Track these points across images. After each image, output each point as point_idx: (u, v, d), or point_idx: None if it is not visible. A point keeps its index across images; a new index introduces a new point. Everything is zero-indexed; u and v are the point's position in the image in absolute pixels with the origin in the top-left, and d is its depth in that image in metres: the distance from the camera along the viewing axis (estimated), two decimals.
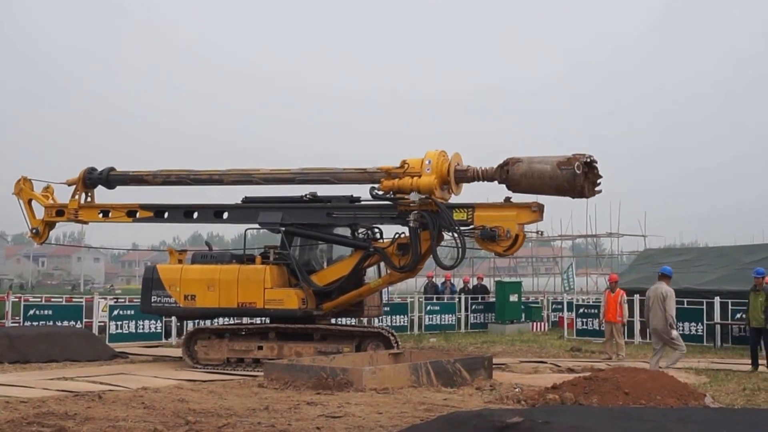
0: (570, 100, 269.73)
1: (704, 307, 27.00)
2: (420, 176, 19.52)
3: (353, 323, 25.01)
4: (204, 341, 20.74)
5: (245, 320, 22.33)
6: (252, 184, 22.10)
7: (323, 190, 21.69)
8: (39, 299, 28.83)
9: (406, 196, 19.71)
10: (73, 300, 28.96)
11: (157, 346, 25.41)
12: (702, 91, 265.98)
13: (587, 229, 53.07)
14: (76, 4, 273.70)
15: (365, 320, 24.68)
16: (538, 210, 19.34)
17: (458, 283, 38.42)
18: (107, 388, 15.91)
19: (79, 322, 25.47)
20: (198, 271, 21.08)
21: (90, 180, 22.85)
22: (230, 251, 23.27)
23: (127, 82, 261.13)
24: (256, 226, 22.03)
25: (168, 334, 26.73)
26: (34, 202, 23.19)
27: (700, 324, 27.08)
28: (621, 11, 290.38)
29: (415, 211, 19.54)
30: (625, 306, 23.80)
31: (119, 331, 25.50)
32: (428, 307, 33.00)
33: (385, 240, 21.12)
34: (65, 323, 25.01)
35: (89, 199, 23.11)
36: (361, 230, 21.41)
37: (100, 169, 23.04)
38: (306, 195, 21.39)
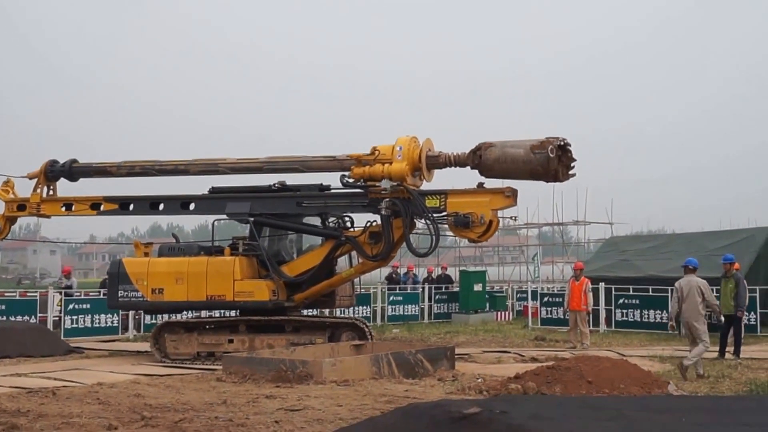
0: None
1: (669, 294, 27.16)
2: (391, 163, 19.47)
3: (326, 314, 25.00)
4: (173, 335, 20.58)
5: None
6: (219, 174, 21.99)
7: (292, 179, 21.67)
8: None
9: (377, 184, 19.64)
10: (27, 294, 28.68)
11: (114, 341, 25.21)
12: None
13: (553, 218, 53.48)
14: None
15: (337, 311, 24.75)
16: (512, 195, 19.38)
17: (422, 273, 38.44)
18: (61, 384, 15.80)
19: (33, 317, 25.18)
20: (165, 264, 20.90)
21: (52, 173, 22.55)
22: (198, 243, 23.08)
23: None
24: (224, 216, 21.83)
25: (125, 328, 26.52)
26: None
27: (665, 311, 27.24)
28: None
29: (387, 199, 19.50)
30: (590, 294, 23.94)
31: (74, 325, 25.25)
32: (391, 298, 33.04)
33: (356, 229, 21.03)
34: (19, 318, 24.75)
35: (51, 192, 22.83)
36: (331, 219, 21.29)
37: (62, 161, 22.76)
38: (275, 184, 21.30)
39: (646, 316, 27.76)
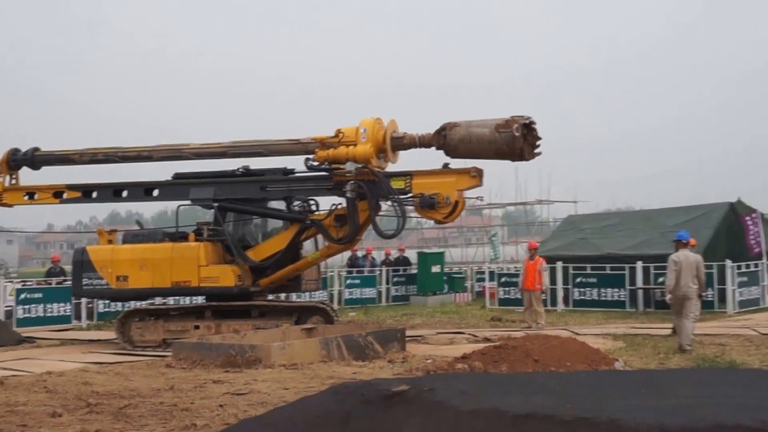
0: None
1: (627, 272, 27.66)
2: (356, 145, 19.54)
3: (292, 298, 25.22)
4: (138, 323, 20.68)
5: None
6: (182, 160, 21.94)
7: (257, 164, 21.72)
8: None
9: (341, 167, 19.68)
10: None
11: (67, 330, 25.30)
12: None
13: (517, 197, 53.99)
14: None
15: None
16: (478, 175, 19.46)
17: (379, 256, 38.65)
18: (10, 373, 15.87)
19: None
20: (130, 252, 20.93)
21: (14, 161, 22.47)
22: (162, 229, 23.14)
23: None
24: (188, 202, 21.83)
25: (78, 317, 26.62)
26: None
27: (622, 289, 27.77)
28: None
29: (352, 182, 19.54)
30: (545, 273, 24.29)
31: (27, 315, 25.23)
32: (348, 281, 33.26)
33: (321, 212, 21.08)
34: None
35: (14, 181, 22.75)
36: (296, 203, 21.32)
37: (24, 149, 22.70)
38: (238, 169, 21.36)
39: (603, 294, 28.21)
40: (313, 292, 25.73)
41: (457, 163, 19.86)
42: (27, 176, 23.13)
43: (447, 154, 19.32)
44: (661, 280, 25.95)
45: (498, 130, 18.46)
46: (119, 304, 26.51)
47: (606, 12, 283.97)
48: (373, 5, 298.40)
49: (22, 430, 10.28)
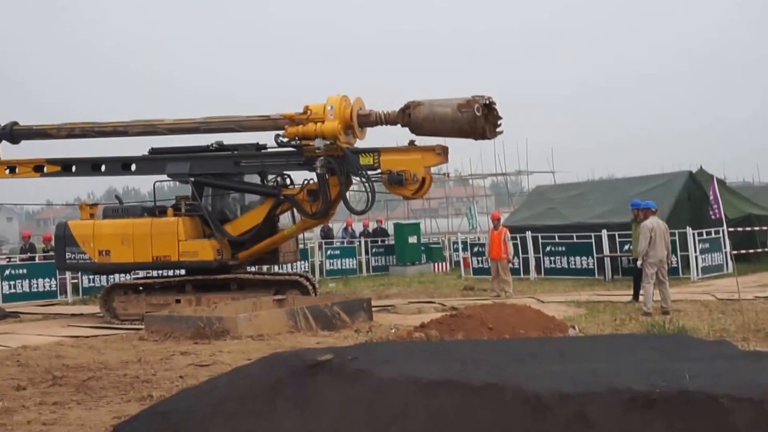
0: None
1: (593, 240, 27.87)
2: (323, 122, 19.68)
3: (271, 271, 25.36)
4: (121, 296, 20.89)
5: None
6: (157, 135, 22.03)
7: (230, 139, 21.84)
8: None
9: (311, 143, 19.84)
10: None
11: (53, 305, 25.49)
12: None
13: (496, 168, 54.12)
14: None
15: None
16: (443, 153, 19.70)
17: (358, 228, 38.84)
18: None
19: None
20: (110, 226, 21.08)
21: None
22: (141, 204, 23.25)
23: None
24: (165, 177, 21.96)
25: (64, 292, 26.79)
26: None
27: (590, 257, 27.98)
28: None
29: (322, 158, 19.73)
30: (510, 243, 24.45)
31: (12, 291, 25.42)
32: (328, 252, 33.45)
33: (295, 186, 21.27)
34: None
35: None
36: (270, 177, 21.51)
37: (2, 124, 22.75)
38: (212, 144, 21.46)
39: (572, 262, 28.44)
40: (294, 264, 25.89)
41: (423, 141, 20.08)
42: (7, 151, 23.24)
43: (412, 131, 19.54)
44: (627, 247, 26.19)
45: (460, 110, 18.63)
46: (103, 278, 26.72)
47: None
48: None
49: None
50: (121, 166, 22.37)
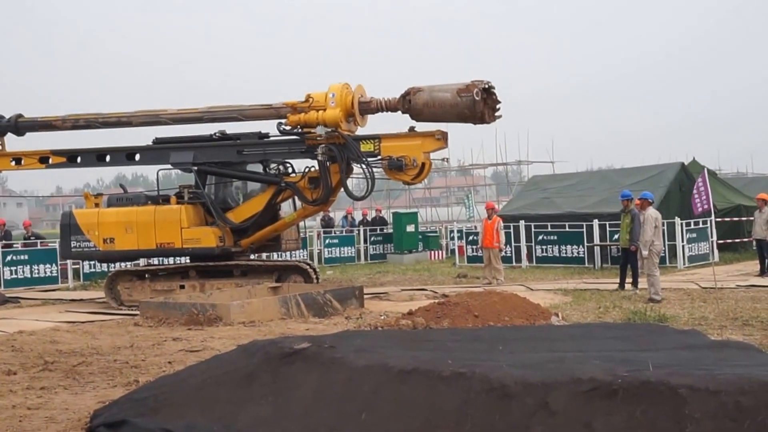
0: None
1: (584, 229, 27.85)
2: (325, 110, 19.62)
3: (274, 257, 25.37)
4: (126, 283, 20.86)
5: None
6: (161, 125, 21.96)
7: (232, 128, 21.75)
8: None
9: (312, 131, 19.78)
10: None
11: (54, 290, 25.49)
12: None
13: (497, 158, 54.05)
14: None
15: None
16: (442, 138, 19.64)
17: (357, 216, 38.85)
18: None
19: None
20: (114, 214, 21.04)
21: None
22: (144, 192, 23.24)
23: None
24: (169, 166, 21.95)
25: (65, 278, 26.80)
26: None
27: (581, 246, 27.96)
28: None
29: (323, 145, 19.66)
30: (502, 232, 24.40)
31: (14, 276, 25.46)
32: (327, 240, 33.46)
33: (297, 174, 21.20)
34: None
35: (0, 147, 22.84)
36: (272, 165, 21.41)
37: (7, 116, 22.71)
38: (215, 133, 21.37)
39: (564, 251, 28.42)
40: (293, 252, 25.88)
41: (422, 126, 20.00)
42: (12, 143, 23.29)
43: (412, 117, 19.44)
44: (616, 237, 26.13)
45: (459, 95, 18.57)
46: (104, 265, 26.73)
47: None
48: None
49: None
50: (125, 156, 22.30)
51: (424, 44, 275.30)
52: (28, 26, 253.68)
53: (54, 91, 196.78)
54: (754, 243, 24.97)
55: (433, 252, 35.76)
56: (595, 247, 27.57)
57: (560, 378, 6.29)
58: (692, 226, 27.23)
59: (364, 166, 19.81)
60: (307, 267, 20.93)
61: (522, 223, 29.06)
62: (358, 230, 35.04)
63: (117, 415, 7.51)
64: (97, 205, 21.85)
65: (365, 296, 19.32)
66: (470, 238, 30.89)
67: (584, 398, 6.04)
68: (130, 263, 22.54)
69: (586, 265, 27.67)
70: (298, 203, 21.53)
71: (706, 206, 26.52)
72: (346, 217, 37.47)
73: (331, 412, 6.89)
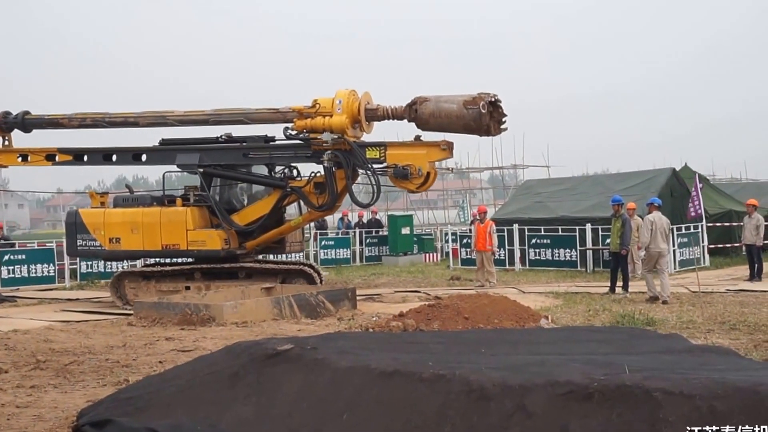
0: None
1: (577, 233, 27.86)
2: (332, 116, 19.55)
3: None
4: (132, 283, 20.83)
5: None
6: (167, 126, 21.92)
7: (238, 131, 21.67)
8: None
9: (319, 136, 19.72)
10: None
11: (51, 289, 25.49)
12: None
13: (493, 162, 54.14)
14: None
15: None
16: (448, 148, 19.61)
17: (353, 219, 38.79)
18: None
19: None
20: (121, 215, 21.02)
21: (6, 124, 22.45)
22: (150, 193, 23.20)
23: None
24: (175, 167, 21.82)
25: (62, 277, 26.79)
26: None
27: (573, 250, 27.97)
28: None
29: (329, 151, 19.60)
30: (494, 236, 24.40)
31: (11, 275, 25.39)
32: (323, 242, 33.45)
33: (302, 178, 21.14)
34: None
35: (7, 143, 22.75)
36: (278, 169, 21.37)
37: (15, 112, 22.65)
38: (221, 136, 21.33)
39: (556, 254, 28.43)
40: (297, 253, 25.90)
41: (428, 136, 19.98)
42: (18, 139, 23.20)
43: (418, 126, 19.36)
44: (607, 241, 26.14)
45: (466, 107, 18.52)
46: (100, 265, 26.73)
47: None
48: None
49: None
50: (131, 156, 22.25)
51: (427, 55, 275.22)
52: (34, 32, 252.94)
53: (60, 93, 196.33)
54: (744, 248, 24.99)
55: (427, 254, 35.71)
56: (588, 251, 27.57)
57: (538, 381, 6.31)
58: (683, 231, 27.25)
59: (369, 173, 19.70)
60: (311, 270, 20.95)
61: (515, 226, 29.08)
62: (354, 232, 34.99)
63: (103, 414, 7.52)
64: (102, 203, 21.91)
65: (358, 298, 19.37)
66: (464, 241, 30.89)
67: (561, 401, 6.05)
68: (136, 263, 22.52)
69: (579, 268, 27.66)
70: (304, 206, 21.47)
71: (699, 211, 26.67)
72: (342, 219, 37.43)
73: (314, 412, 6.91)
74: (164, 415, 7.32)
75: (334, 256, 33.38)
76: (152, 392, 7.82)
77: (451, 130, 19.29)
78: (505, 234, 28.76)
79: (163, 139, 21.96)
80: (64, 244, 22.10)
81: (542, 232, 28.87)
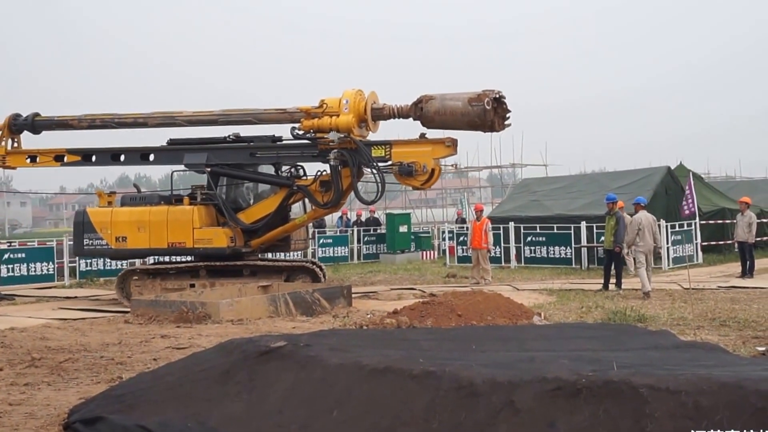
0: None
1: (572, 231, 27.85)
2: (338, 115, 19.61)
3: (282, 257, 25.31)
4: (137, 281, 20.85)
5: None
6: (176, 126, 21.95)
7: (246, 131, 21.67)
8: None
9: (325, 136, 19.74)
10: None
11: (50, 288, 25.43)
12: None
13: (491, 160, 54.06)
14: None
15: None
16: (452, 145, 19.67)
17: (352, 217, 38.80)
18: None
19: None
20: (128, 213, 21.02)
21: (15, 125, 22.43)
22: (158, 192, 23.17)
23: None
24: (183, 167, 21.85)
25: (61, 276, 26.74)
26: None
27: (568, 247, 27.96)
28: None
29: (335, 150, 19.63)
30: (490, 234, 24.40)
31: (11, 274, 25.29)
32: (321, 240, 33.43)
33: (308, 177, 21.18)
34: None
35: (16, 144, 22.72)
36: (284, 168, 21.40)
37: (24, 114, 22.62)
38: (229, 136, 21.32)
39: (552, 252, 28.43)
40: (302, 251, 25.94)
41: (432, 133, 20.06)
42: (28, 140, 23.23)
43: (423, 124, 19.46)
44: (602, 239, 26.13)
45: (470, 104, 18.63)
46: (101, 263, 26.72)
47: None
48: None
49: None
50: (140, 156, 22.23)
51: (432, 56, 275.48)
52: (51, 26, 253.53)
53: (74, 92, 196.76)
54: (736, 245, 24.99)
55: (424, 252, 35.71)
56: (582, 249, 27.56)
57: (527, 377, 6.29)
58: (677, 229, 27.25)
59: (374, 171, 19.76)
60: (315, 267, 20.95)
61: (511, 224, 29.06)
62: (352, 230, 34.98)
63: (94, 411, 7.49)
64: (110, 203, 21.85)
65: (354, 295, 19.39)
66: (461, 238, 30.87)
67: (549, 397, 6.03)
68: (141, 261, 22.53)
69: (573, 265, 27.67)
70: (308, 205, 21.54)
71: (693, 209, 26.65)
72: (341, 217, 37.44)
73: (304, 409, 6.88)
74: (155, 412, 7.29)
75: (332, 254, 33.35)
76: (144, 389, 7.79)
77: (456, 127, 19.40)
78: (501, 232, 28.76)
79: (170, 139, 21.97)
80: (65, 243, 22.03)
81: (538, 230, 28.87)
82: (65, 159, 22.30)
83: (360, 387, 6.86)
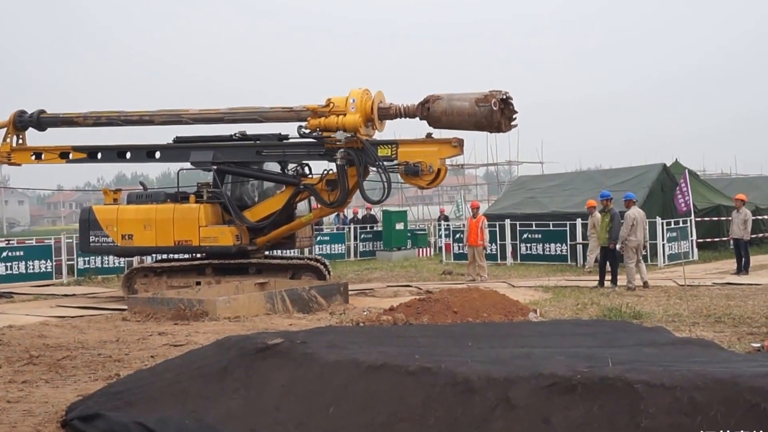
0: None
1: (567, 228, 27.86)
2: (345, 115, 19.55)
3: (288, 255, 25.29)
4: (143, 279, 20.84)
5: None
6: (182, 124, 21.83)
7: (252, 129, 21.60)
8: None
9: (332, 135, 19.67)
10: None
11: (48, 285, 25.41)
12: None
13: (488, 158, 54.09)
14: None
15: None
16: (459, 145, 19.59)
17: (348, 215, 38.80)
18: None
19: None
20: (134, 211, 20.97)
21: (21, 122, 22.32)
22: (164, 190, 23.13)
23: None
24: (189, 165, 21.69)
25: (60, 274, 26.74)
26: None
27: (564, 244, 27.97)
28: None
29: (342, 149, 19.57)
30: (486, 231, 24.42)
31: (9, 272, 25.31)
32: (318, 237, 33.38)
33: (314, 176, 21.14)
34: None
35: (21, 141, 22.62)
36: (291, 166, 21.35)
37: (30, 111, 22.55)
38: (235, 134, 21.25)
39: (547, 249, 28.44)
40: (307, 248, 25.97)
41: (439, 133, 20.07)
42: (33, 138, 23.17)
43: (430, 124, 19.42)
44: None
45: (477, 104, 18.56)
46: (97, 261, 26.72)
47: None
48: None
49: None
50: (146, 153, 22.12)
51: (430, 54, 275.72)
52: (54, 25, 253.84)
53: (78, 90, 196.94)
54: (731, 242, 25.04)
55: (421, 249, 35.74)
56: (578, 246, 27.58)
57: (522, 373, 6.30)
58: (673, 225, 27.29)
59: (380, 171, 19.70)
60: (320, 265, 20.98)
61: (507, 221, 29.07)
62: (349, 227, 34.98)
63: (91, 408, 7.49)
64: (115, 200, 21.82)
65: (351, 292, 19.36)
66: (457, 236, 30.87)
67: (544, 393, 6.04)
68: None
69: (569, 262, 27.67)
70: (314, 203, 21.49)
71: (683, 208, 26.74)
72: (338, 215, 37.42)
73: (301, 405, 6.89)
74: (152, 409, 7.30)
75: (328, 252, 33.30)
76: (141, 386, 7.79)
77: (463, 127, 19.36)
78: (497, 229, 28.75)
79: (177, 137, 21.89)
80: (63, 241, 22.01)
81: (534, 227, 28.86)
82: (71, 156, 22.20)
83: (357, 383, 6.87)
